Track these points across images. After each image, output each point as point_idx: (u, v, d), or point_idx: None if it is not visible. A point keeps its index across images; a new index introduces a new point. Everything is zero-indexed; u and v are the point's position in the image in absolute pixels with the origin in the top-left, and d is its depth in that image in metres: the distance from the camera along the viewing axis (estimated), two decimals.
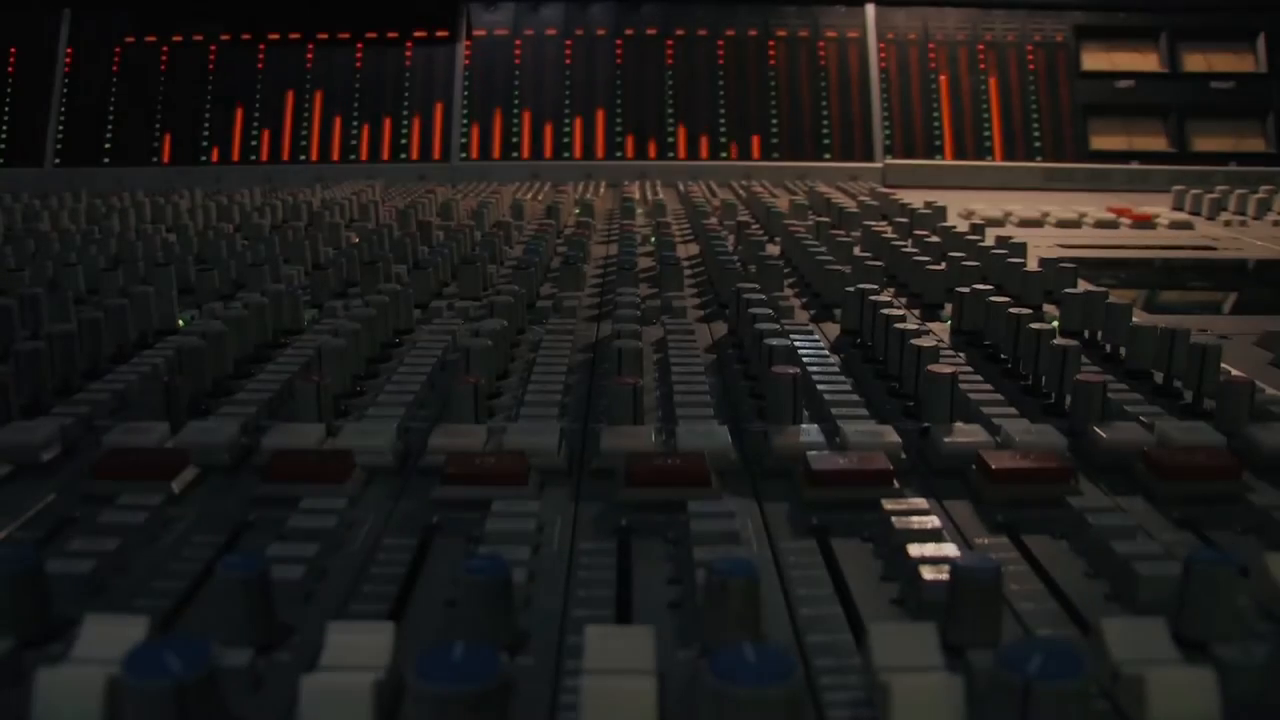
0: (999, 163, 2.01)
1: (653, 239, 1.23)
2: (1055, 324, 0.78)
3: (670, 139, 2.06)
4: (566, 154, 2.05)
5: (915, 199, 1.48)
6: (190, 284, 0.95)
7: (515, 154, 2.05)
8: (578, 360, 0.73)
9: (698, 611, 0.38)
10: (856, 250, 1.07)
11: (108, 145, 2.05)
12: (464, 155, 2.05)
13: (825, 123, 2.06)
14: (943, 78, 2.07)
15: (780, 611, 0.39)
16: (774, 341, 0.64)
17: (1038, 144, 2.03)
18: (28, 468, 0.52)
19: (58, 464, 0.54)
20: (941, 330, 0.83)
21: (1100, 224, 1.52)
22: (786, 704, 0.29)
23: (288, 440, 0.53)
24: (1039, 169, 2.00)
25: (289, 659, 0.36)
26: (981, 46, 2.09)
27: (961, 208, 1.57)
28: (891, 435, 0.54)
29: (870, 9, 2.11)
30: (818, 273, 0.94)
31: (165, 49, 2.10)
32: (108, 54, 2.09)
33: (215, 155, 2.05)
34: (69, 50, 2.09)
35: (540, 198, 1.70)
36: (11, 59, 2.09)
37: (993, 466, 0.50)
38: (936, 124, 2.05)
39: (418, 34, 2.11)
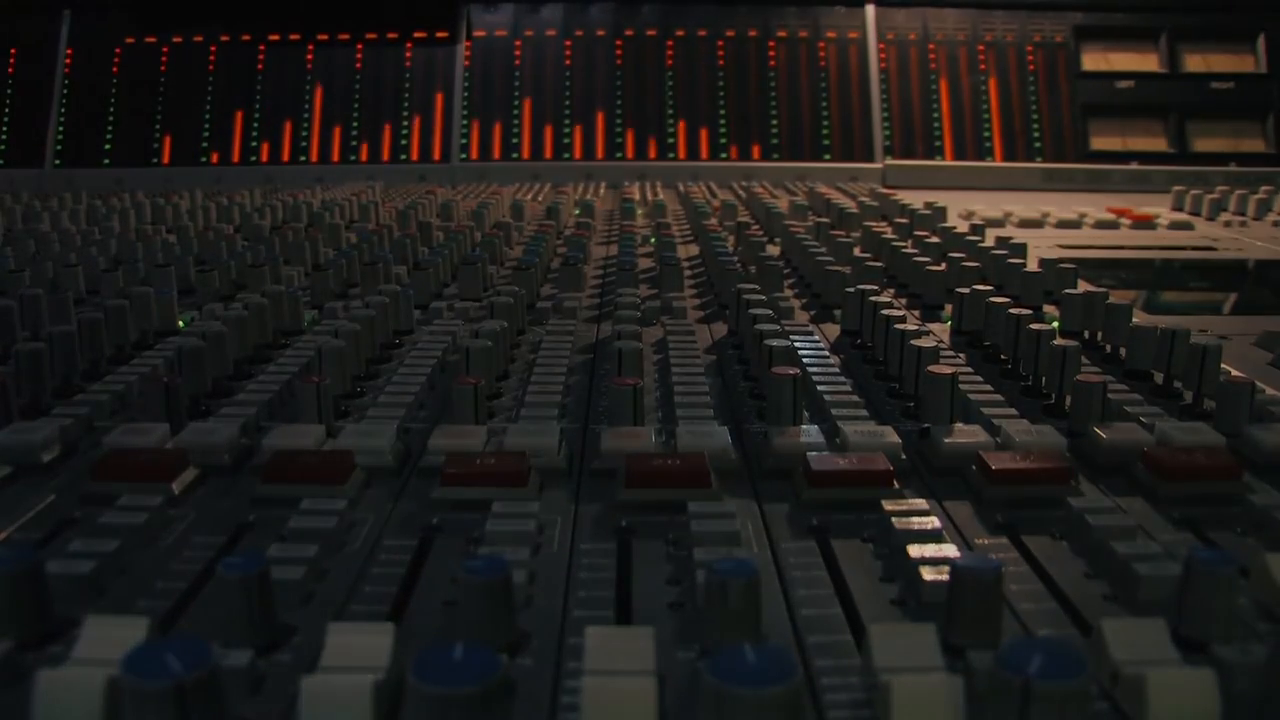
0: (999, 163, 2.02)
1: (653, 240, 1.23)
2: (1055, 324, 0.78)
3: (670, 140, 2.06)
4: (566, 155, 2.05)
5: (915, 199, 1.48)
6: (190, 284, 0.95)
7: (515, 155, 2.05)
8: (578, 361, 0.73)
9: (698, 612, 0.38)
10: (856, 251, 1.07)
11: (108, 145, 2.05)
12: (464, 156, 2.05)
13: (825, 123, 2.06)
14: (943, 78, 2.07)
15: (780, 612, 0.39)
16: (774, 342, 0.64)
17: (1037, 144, 2.03)
18: (28, 468, 0.52)
19: (58, 465, 0.54)
20: (941, 331, 0.83)
21: (1100, 224, 1.52)
22: (786, 704, 0.29)
23: (288, 441, 0.53)
24: (1039, 169, 2.00)
25: (289, 659, 0.36)
26: (981, 47, 2.09)
27: (961, 208, 1.57)
28: (891, 436, 0.54)
29: (870, 9, 2.11)
30: (818, 273, 0.94)
31: (165, 49, 2.10)
32: (108, 54, 2.09)
33: (215, 156, 2.05)
34: (69, 50, 2.09)
35: (540, 198, 1.70)
36: (11, 59, 2.09)
37: (993, 467, 0.50)
38: (936, 124, 2.05)
39: (418, 34, 2.11)
